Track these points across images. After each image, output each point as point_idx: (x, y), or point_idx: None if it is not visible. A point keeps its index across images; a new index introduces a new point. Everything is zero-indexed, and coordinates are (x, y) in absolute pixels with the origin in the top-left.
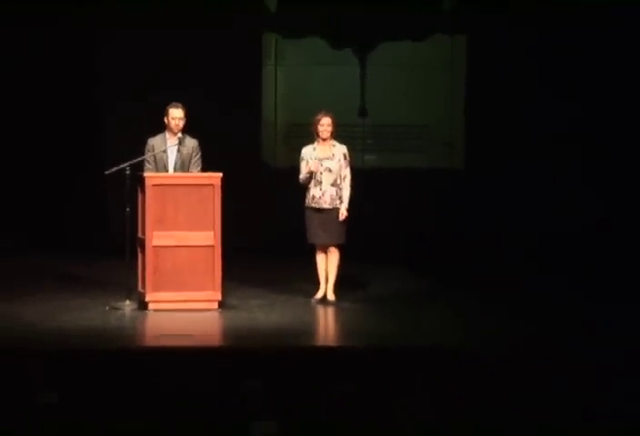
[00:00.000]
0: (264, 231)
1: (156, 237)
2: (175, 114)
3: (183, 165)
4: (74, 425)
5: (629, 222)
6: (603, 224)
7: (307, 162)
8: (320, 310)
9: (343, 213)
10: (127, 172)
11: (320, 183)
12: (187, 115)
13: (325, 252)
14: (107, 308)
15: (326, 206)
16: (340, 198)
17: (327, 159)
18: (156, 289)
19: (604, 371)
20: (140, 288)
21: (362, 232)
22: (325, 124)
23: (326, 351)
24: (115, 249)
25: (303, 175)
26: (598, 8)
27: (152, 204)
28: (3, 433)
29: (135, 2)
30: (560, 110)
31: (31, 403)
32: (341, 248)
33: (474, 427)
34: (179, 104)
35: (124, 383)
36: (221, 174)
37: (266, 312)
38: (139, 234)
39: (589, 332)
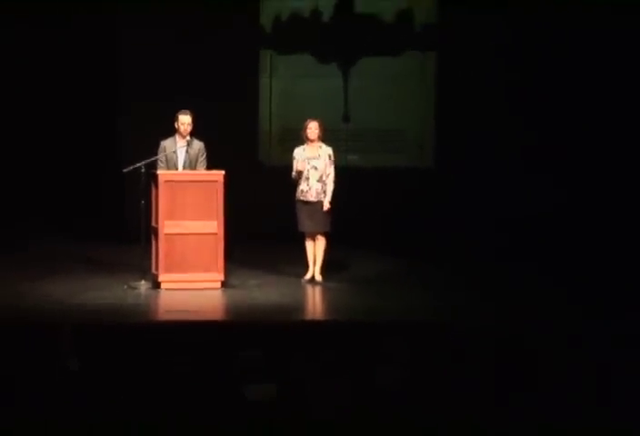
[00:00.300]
0: (260, 220)
1: (168, 226)
2: (184, 120)
3: (191, 164)
4: (96, 388)
5: (589, 212)
6: (563, 212)
7: (298, 161)
8: (309, 288)
9: (326, 206)
10: (142, 170)
11: (308, 179)
12: (194, 120)
13: (313, 239)
14: (125, 287)
15: (312, 199)
16: (324, 192)
17: (314, 158)
18: (168, 271)
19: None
20: (154, 270)
21: (346, 222)
22: (312, 128)
23: (315, 324)
24: (130, 237)
25: (294, 173)
26: (558, 17)
27: (164, 198)
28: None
29: (153, 15)
30: (516, 114)
31: (59, 370)
32: (327, 235)
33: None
34: (187, 111)
35: (139, 352)
36: (223, 172)
37: (263, 291)
38: (153, 224)
39: (559, 311)
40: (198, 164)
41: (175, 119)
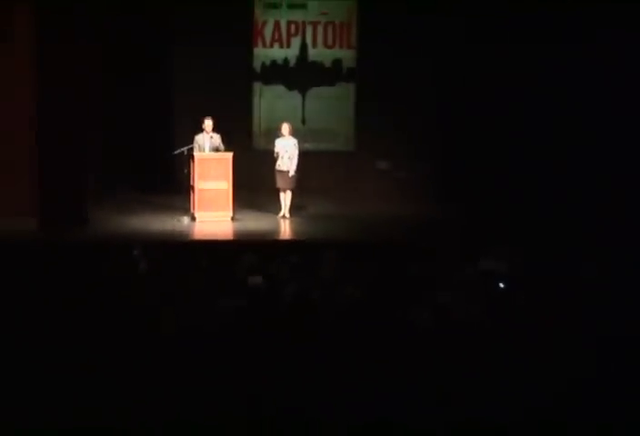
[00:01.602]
0: (253, 181)
1: (200, 184)
2: (208, 122)
3: (213, 149)
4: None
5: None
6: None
7: (276, 147)
8: (282, 221)
9: (291, 173)
10: (185, 152)
11: (282, 157)
12: (215, 122)
13: (285, 192)
14: (175, 220)
15: (284, 169)
16: (291, 165)
17: (286, 145)
18: (200, 210)
19: None
20: (192, 210)
21: (304, 182)
22: (285, 127)
23: (286, 241)
24: (178, 191)
25: (275, 154)
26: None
27: (198, 168)
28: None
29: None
30: (405, 116)
31: (134, 270)
32: (292, 190)
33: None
34: (210, 117)
35: (184, 259)
36: (232, 153)
37: (255, 222)
38: (191, 183)
39: None
40: (220, 148)
41: (201, 121)
